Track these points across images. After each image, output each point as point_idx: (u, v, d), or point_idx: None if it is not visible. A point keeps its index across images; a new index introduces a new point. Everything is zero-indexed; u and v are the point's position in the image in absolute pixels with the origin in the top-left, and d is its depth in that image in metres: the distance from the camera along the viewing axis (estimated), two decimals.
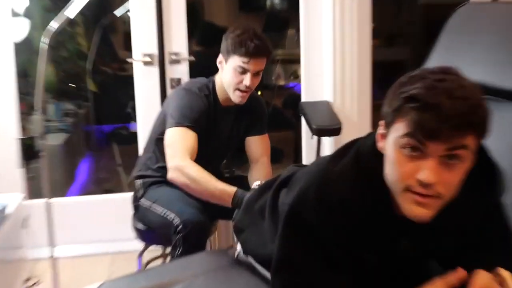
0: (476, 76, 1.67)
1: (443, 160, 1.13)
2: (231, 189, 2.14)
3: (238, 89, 2.31)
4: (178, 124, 2.26)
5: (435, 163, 1.13)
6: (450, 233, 1.32)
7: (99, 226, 3.35)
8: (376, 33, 3.27)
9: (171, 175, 2.22)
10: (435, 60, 1.91)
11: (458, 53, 1.83)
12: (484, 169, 1.29)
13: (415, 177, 1.14)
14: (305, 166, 1.65)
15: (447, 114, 1.09)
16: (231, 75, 2.30)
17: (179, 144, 2.23)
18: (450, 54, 1.86)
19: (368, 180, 1.25)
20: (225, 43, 2.30)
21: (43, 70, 2.30)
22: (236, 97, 2.34)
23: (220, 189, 2.15)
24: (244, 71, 2.28)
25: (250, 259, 1.66)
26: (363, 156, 1.29)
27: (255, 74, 2.30)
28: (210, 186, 2.16)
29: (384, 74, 5.54)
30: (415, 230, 1.25)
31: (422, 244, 1.31)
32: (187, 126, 2.26)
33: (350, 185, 1.27)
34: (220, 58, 2.36)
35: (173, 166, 2.21)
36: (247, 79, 2.28)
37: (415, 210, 1.17)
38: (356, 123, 3.17)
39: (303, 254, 1.28)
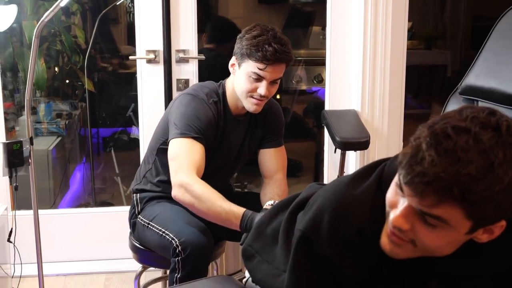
0: None
1: (420, 214, 1.12)
2: (239, 210, 2.12)
3: (252, 96, 2.29)
4: (183, 135, 2.25)
5: (406, 210, 1.13)
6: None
7: (93, 242, 3.36)
8: (414, 34, 3.25)
9: (175, 192, 2.21)
10: (480, 66, 1.88)
11: (508, 60, 1.80)
12: None
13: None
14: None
15: (422, 171, 1.06)
16: (244, 82, 2.27)
17: (184, 158, 2.22)
18: (498, 62, 1.83)
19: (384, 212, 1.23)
20: (240, 45, 2.27)
21: (33, 64, 2.31)
22: (250, 105, 2.32)
23: (227, 210, 2.13)
24: (259, 79, 2.25)
25: None
26: (386, 180, 1.25)
27: (272, 82, 2.28)
28: (216, 207, 2.14)
29: (420, 80, 5.56)
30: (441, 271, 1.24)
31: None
32: (193, 138, 2.25)
33: (368, 212, 1.26)
34: (232, 60, 2.34)
35: (178, 183, 2.20)
36: (262, 88, 2.25)
37: (386, 244, 1.20)
38: (386, 135, 3.16)
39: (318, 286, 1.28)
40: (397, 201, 1.15)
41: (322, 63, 3.39)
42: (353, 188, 1.30)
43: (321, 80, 4.51)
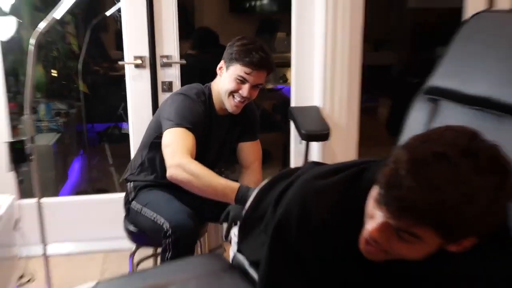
0: (482, 89, 1.64)
1: (395, 230, 1.06)
2: (235, 184, 2.05)
3: (233, 96, 2.26)
4: (178, 125, 2.18)
5: (383, 225, 1.06)
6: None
7: (92, 224, 3.30)
8: (365, 38, 3.22)
9: (172, 172, 2.11)
10: (445, 66, 1.84)
11: (469, 63, 1.75)
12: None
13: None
14: (324, 164, 1.55)
15: (400, 196, 1.00)
16: (229, 82, 2.24)
17: (179, 144, 2.15)
18: (458, 65, 1.79)
19: (354, 207, 1.17)
20: (230, 50, 2.25)
21: (31, 69, 2.24)
22: (230, 105, 2.28)
23: (223, 184, 2.05)
24: (243, 81, 2.22)
25: (244, 261, 1.60)
26: (364, 181, 1.17)
27: (254, 86, 2.25)
28: (213, 182, 2.06)
29: (371, 78, 5.57)
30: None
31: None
32: (187, 128, 2.19)
33: (331, 205, 1.21)
34: (221, 64, 2.30)
35: (174, 164, 2.10)
36: (245, 90, 2.23)
37: (364, 250, 1.15)
38: (344, 128, 3.14)
39: (287, 274, 1.24)
40: (375, 214, 1.08)
41: (287, 64, 3.36)
42: (322, 179, 1.26)
43: (285, 80, 4.52)
